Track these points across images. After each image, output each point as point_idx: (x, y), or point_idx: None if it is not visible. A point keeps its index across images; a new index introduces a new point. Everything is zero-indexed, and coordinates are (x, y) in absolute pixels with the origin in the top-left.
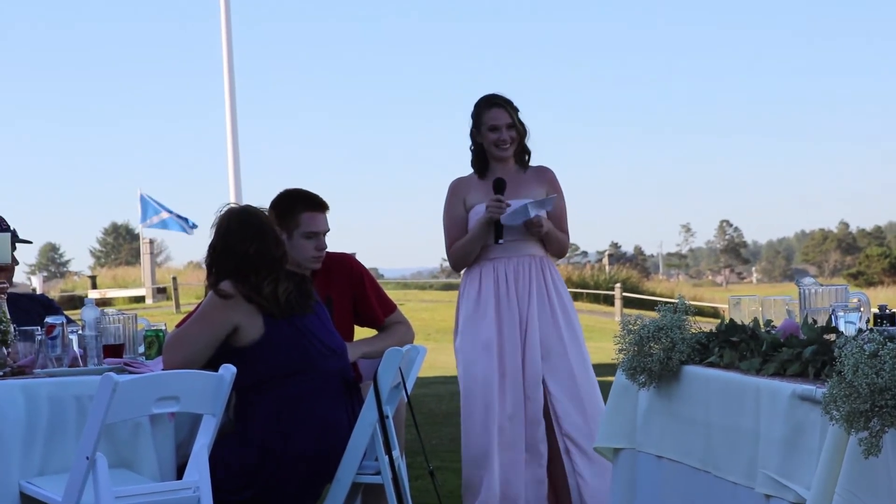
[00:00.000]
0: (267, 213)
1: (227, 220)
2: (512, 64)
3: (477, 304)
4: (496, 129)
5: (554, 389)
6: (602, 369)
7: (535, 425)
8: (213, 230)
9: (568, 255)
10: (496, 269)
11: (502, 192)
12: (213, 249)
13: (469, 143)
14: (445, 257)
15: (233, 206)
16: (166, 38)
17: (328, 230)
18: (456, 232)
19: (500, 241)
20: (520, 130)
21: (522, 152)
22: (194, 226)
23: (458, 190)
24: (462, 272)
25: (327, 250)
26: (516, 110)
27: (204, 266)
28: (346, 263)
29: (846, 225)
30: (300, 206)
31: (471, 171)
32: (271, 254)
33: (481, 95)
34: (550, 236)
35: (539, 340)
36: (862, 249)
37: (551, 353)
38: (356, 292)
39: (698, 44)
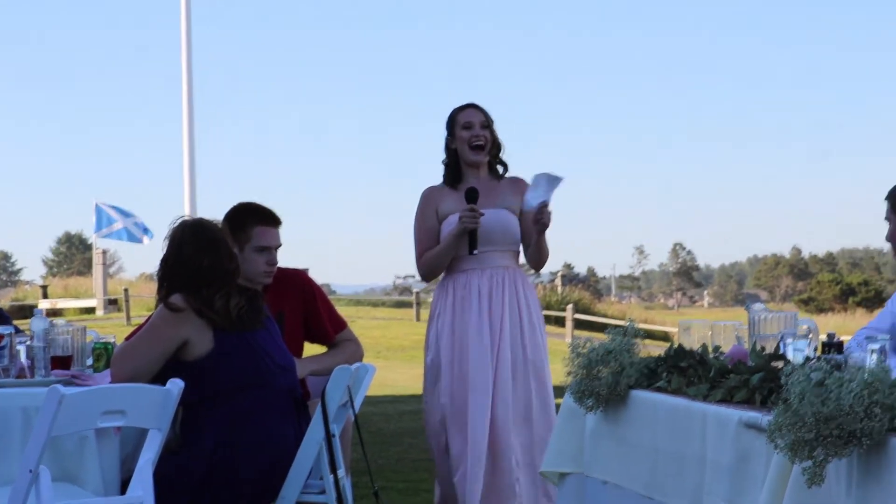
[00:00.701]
0: (221, 227)
1: (180, 232)
2: (464, 81)
3: (451, 319)
4: (470, 126)
5: (501, 420)
6: (553, 391)
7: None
8: (167, 242)
9: None
10: (469, 281)
11: (475, 201)
12: (166, 262)
13: (443, 156)
14: (399, 275)
15: (187, 218)
16: (124, 48)
17: (280, 245)
18: (428, 241)
19: (475, 251)
20: (494, 135)
21: (496, 161)
22: (146, 231)
23: (430, 198)
24: (436, 284)
25: (280, 266)
26: (492, 120)
27: (156, 278)
28: (299, 279)
29: (798, 250)
30: (252, 220)
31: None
32: (224, 268)
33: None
34: (543, 239)
35: (510, 359)
36: (814, 275)
37: (517, 374)
38: (308, 308)
39: (652, 63)
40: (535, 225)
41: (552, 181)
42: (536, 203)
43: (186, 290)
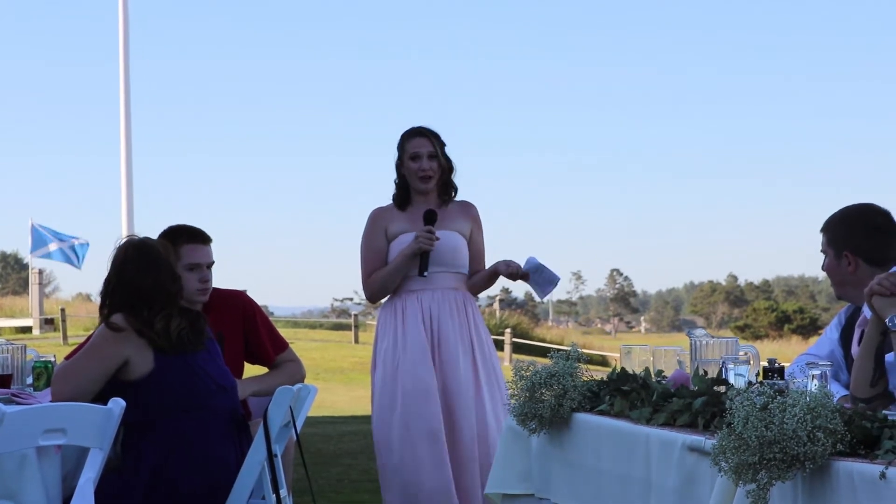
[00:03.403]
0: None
1: (124, 252)
2: (403, 107)
3: (400, 337)
4: (417, 158)
5: (467, 433)
6: None
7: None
8: (111, 262)
9: None
10: (421, 302)
11: (433, 223)
12: (109, 281)
13: (392, 174)
14: (337, 297)
15: (132, 238)
16: (62, 69)
17: (211, 262)
18: (375, 262)
19: (426, 273)
20: (443, 163)
21: (446, 187)
22: (81, 251)
23: (378, 219)
24: (381, 303)
25: (220, 287)
26: (442, 144)
27: (93, 298)
28: (239, 300)
29: (734, 278)
30: (181, 239)
31: (388, 202)
32: (166, 288)
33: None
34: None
35: (459, 380)
36: (749, 303)
37: (468, 395)
38: (248, 329)
39: (592, 92)
40: (507, 274)
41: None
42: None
43: (128, 310)
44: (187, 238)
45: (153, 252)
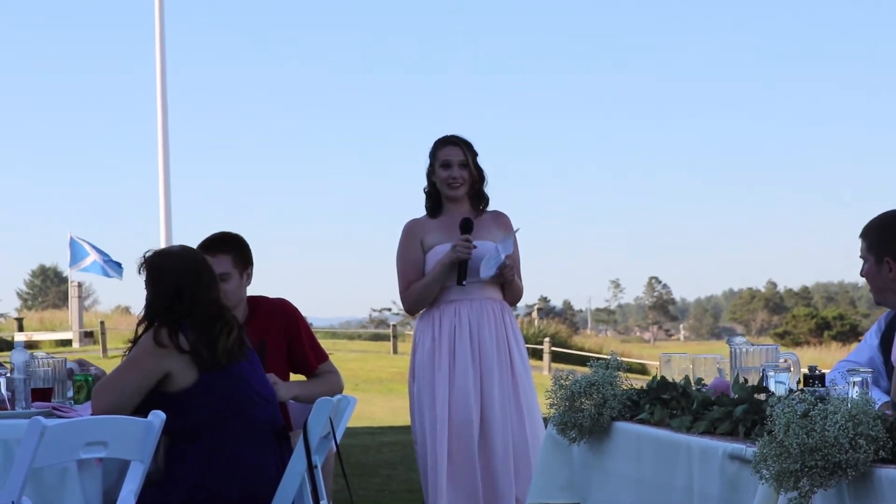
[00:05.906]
0: (206, 259)
1: (163, 264)
2: (439, 115)
3: (437, 348)
4: (448, 166)
5: (501, 444)
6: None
7: (486, 473)
8: (149, 275)
9: None
10: (459, 312)
11: (470, 231)
12: (153, 294)
13: (425, 183)
14: (375, 307)
15: (170, 248)
16: (98, 80)
17: (226, 273)
18: (413, 274)
19: (464, 282)
20: (473, 173)
21: (478, 197)
22: (118, 267)
23: (414, 231)
24: (418, 315)
25: (263, 295)
26: (474, 153)
27: (133, 311)
28: (282, 308)
29: (774, 284)
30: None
31: (423, 213)
32: (207, 300)
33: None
34: (514, 283)
35: (497, 391)
36: (789, 309)
37: (506, 406)
38: (291, 337)
39: (628, 99)
40: (502, 275)
41: (503, 246)
42: (494, 272)
43: (170, 326)
44: (203, 248)
45: (192, 264)
